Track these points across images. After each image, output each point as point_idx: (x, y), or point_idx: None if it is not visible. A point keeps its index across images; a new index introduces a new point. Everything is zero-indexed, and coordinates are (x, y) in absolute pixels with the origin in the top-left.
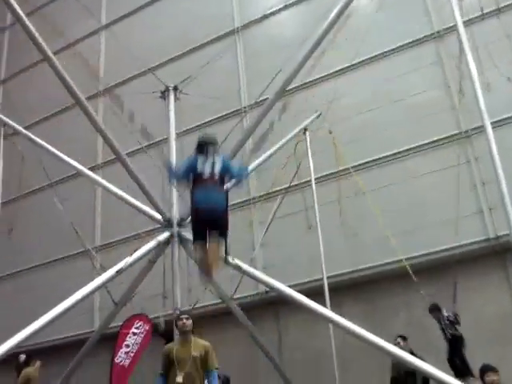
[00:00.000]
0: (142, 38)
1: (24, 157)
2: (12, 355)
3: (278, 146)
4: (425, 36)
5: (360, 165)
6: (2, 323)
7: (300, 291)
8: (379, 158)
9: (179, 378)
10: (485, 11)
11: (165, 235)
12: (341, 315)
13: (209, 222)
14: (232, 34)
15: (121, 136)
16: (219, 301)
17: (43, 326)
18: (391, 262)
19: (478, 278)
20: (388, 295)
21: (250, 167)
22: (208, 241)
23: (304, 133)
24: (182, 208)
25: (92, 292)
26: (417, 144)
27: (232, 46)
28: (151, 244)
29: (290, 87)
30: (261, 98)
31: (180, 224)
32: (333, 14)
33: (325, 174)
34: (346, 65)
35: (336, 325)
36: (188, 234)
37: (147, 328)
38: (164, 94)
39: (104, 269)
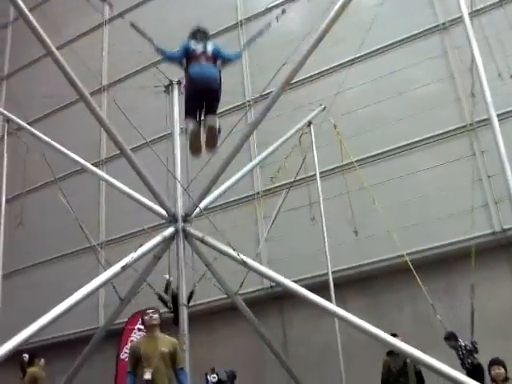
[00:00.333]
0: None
1: (28, 152)
2: (15, 353)
3: (282, 140)
4: (429, 28)
5: (364, 159)
6: (8, 320)
7: (305, 286)
8: (384, 152)
9: (147, 375)
10: (489, 2)
11: (170, 231)
12: (345, 310)
13: (204, 93)
14: (236, 28)
15: (124, 131)
16: (224, 296)
17: (49, 322)
18: (395, 257)
19: (483, 271)
20: (392, 290)
21: (254, 162)
22: (202, 119)
23: (308, 126)
24: (187, 203)
25: (97, 288)
26: (422, 137)
27: (235, 39)
28: (156, 239)
29: (293, 80)
30: (265, 92)
31: (185, 219)
32: (337, 7)
33: (330, 168)
34: (350, 57)
35: (341, 319)
36: (193, 230)
37: None
38: (168, 89)
39: (109, 264)
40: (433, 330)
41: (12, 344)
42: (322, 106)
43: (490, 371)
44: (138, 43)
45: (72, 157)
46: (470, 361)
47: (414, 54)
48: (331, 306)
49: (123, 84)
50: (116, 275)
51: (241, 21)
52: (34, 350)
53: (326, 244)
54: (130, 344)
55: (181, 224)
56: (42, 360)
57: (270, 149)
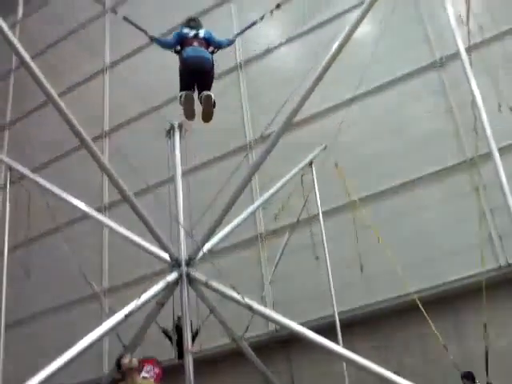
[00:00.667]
0: (146, 77)
1: (31, 200)
2: None
3: (283, 180)
4: (426, 65)
5: (368, 196)
6: (11, 370)
7: (311, 328)
8: (387, 189)
9: None
10: (486, 36)
11: (173, 276)
12: (353, 351)
13: (197, 73)
14: (235, 70)
15: (127, 175)
16: (229, 342)
17: (53, 373)
18: (402, 296)
19: (491, 307)
20: (400, 329)
21: (256, 203)
22: (197, 93)
23: (310, 166)
24: (191, 247)
25: (101, 337)
26: (424, 173)
27: (235, 82)
28: (160, 285)
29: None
30: (266, 133)
31: (188, 263)
32: (335, 46)
33: (332, 207)
34: (349, 96)
35: (350, 363)
36: (197, 274)
37: (157, 371)
38: (169, 133)
39: (113, 312)
40: (443, 370)
41: None
42: (323, 145)
43: None
44: (139, 87)
45: (75, 204)
46: None
47: (413, 90)
48: (338, 348)
49: (125, 129)
50: (119, 323)
51: (240, 63)
52: None
53: (331, 285)
54: None
55: (184, 269)
56: None
57: (272, 190)
